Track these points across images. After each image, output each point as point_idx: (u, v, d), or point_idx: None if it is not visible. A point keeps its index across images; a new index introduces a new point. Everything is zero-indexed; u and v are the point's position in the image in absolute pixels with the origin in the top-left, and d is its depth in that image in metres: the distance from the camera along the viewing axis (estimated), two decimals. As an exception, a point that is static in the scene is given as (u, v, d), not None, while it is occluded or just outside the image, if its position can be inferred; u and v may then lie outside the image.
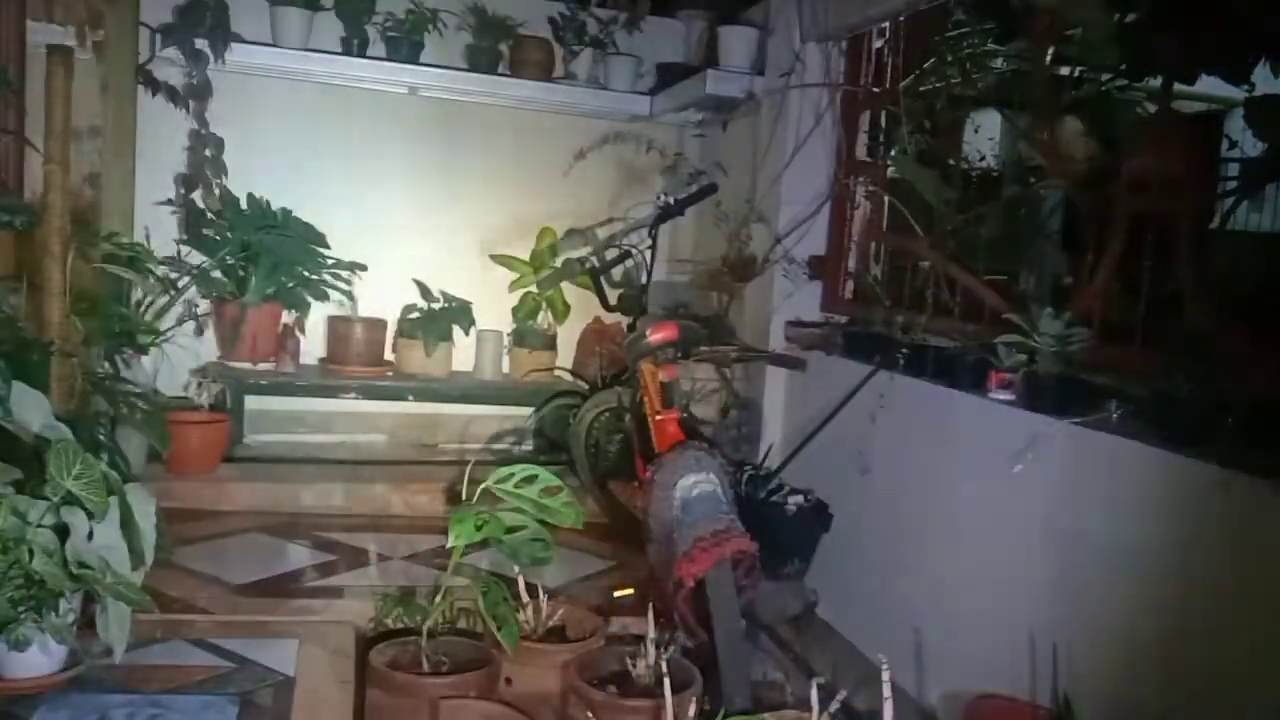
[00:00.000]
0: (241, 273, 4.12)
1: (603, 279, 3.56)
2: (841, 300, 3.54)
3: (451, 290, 4.50)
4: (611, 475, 3.53)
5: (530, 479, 2.29)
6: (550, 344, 4.61)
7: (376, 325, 4.44)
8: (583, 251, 4.07)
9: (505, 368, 4.62)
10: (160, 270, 3.81)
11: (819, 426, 3.19)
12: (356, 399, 4.26)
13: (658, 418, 2.65)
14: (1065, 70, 2.61)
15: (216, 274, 4.09)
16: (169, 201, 4.18)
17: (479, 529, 2.20)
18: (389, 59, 4.39)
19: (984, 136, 3.26)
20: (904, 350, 2.86)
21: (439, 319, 4.42)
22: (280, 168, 4.36)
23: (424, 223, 4.64)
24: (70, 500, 2.01)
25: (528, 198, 4.70)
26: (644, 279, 3.52)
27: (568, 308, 4.63)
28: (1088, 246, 2.45)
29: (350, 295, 4.36)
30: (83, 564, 2.03)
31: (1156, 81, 2.34)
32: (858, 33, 3.45)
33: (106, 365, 3.30)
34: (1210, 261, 2.15)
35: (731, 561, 2.31)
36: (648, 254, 3.52)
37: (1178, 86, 2.28)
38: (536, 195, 4.68)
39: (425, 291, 4.47)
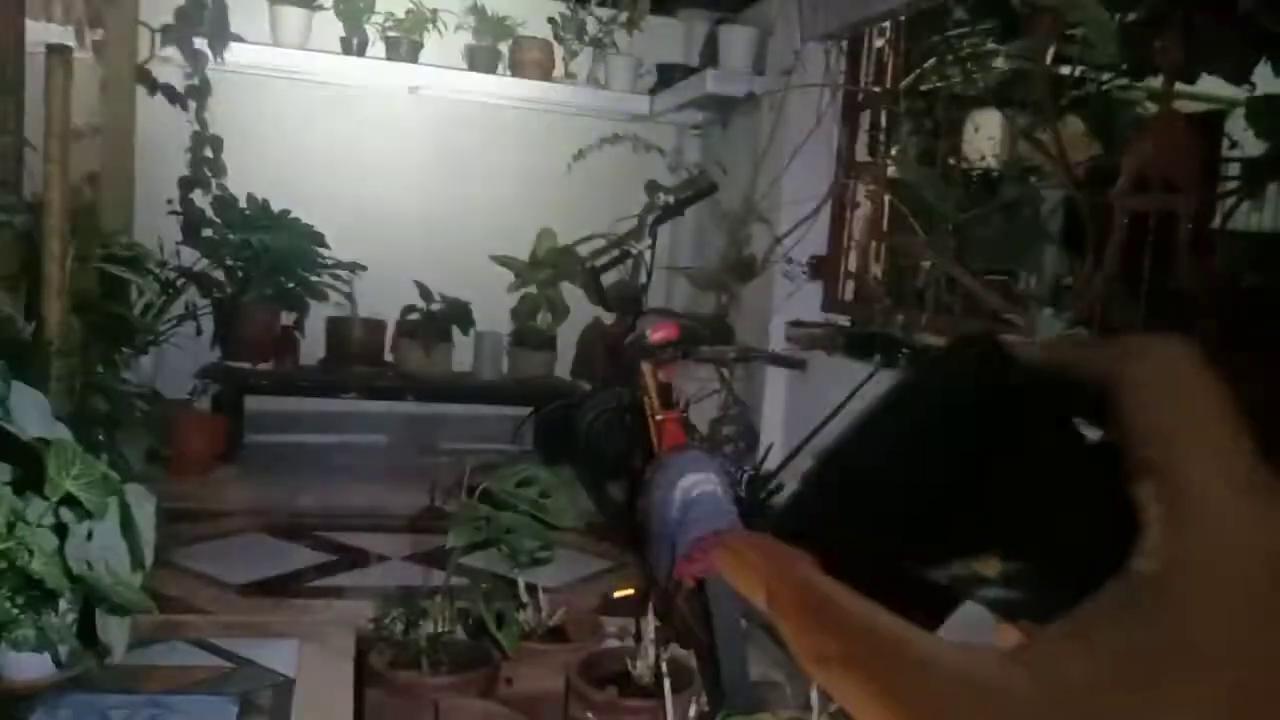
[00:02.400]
0: (241, 273, 4.11)
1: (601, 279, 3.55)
2: (842, 300, 3.54)
3: (451, 291, 4.49)
4: (611, 475, 3.53)
5: (529, 480, 2.29)
6: (550, 344, 4.60)
7: (376, 326, 4.44)
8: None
9: (505, 368, 4.61)
10: (160, 271, 3.81)
11: (819, 427, 3.18)
12: (356, 399, 4.26)
13: (658, 418, 2.65)
14: (1066, 69, 2.61)
15: (216, 274, 4.09)
16: (170, 204, 4.18)
17: (479, 529, 2.20)
18: (388, 58, 4.39)
19: (984, 136, 3.25)
20: (904, 350, 2.86)
21: (438, 319, 4.42)
22: (279, 168, 4.36)
23: (423, 223, 4.64)
24: (70, 501, 2.01)
25: (528, 198, 4.69)
26: (643, 279, 3.51)
27: (567, 308, 4.62)
28: (1088, 246, 2.45)
29: (350, 296, 4.36)
30: (82, 564, 2.02)
31: (1157, 81, 2.34)
32: (858, 32, 3.45)
33: (105, 366, 3.29)
34: (1211, 261, 2.15)
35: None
36: (647, 254, 3.51)
37: (1178, 86, 2.28)
38: (536, 195, 4.68)
39: (425, 292, 4.46)
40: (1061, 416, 0.24)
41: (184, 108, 4.13)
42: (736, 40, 3.97)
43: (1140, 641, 0.20)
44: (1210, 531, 0.21)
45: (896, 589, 0.23)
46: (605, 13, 4.64)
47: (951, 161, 3.05)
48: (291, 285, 4.19)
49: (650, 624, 2.28)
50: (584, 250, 4.11)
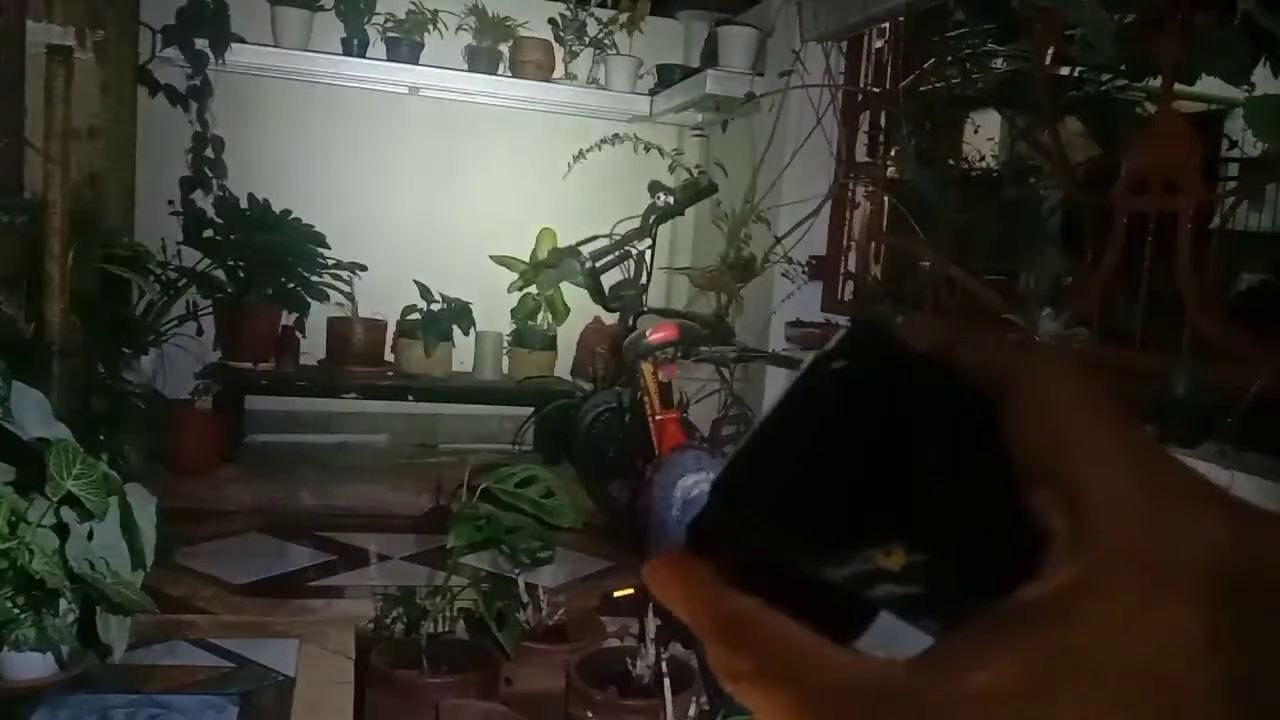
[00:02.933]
0: (242, 274, 4.12)
1: (601, 279, 3.56)
2: (841, 300, 3.54)
3: (451, 291, 4.50)
4: (611, 475, 3.53)
5: (530, 479, 2.30)
6: (550, 344, 4.61)
7: (376, 326, 4.45)
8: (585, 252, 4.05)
9: (505, 368, 4.62)
10: (161, 271, 3.82)
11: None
12: (356, 399, 4.26)
13: (658, 418, 2.65)
14: (1065, 70, 2.61)
15: (217, 274, 4.09)
16: (171, 205, 4.18)
17: (479, 529, 2.20)
18: (389, 59, 4.40)
19: (984, 136, 3.26)
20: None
21: (439, 319, 4.42)
22: (281, 168, 4.37)
23: (424, 223, 4.64)
24: (70, 500, 2.01)
25: (528, 198, 4.70)
26: (643, 279, 3.52)
27: (567, 308, 4.63)
28: (1087, 246, 2.46)
29: (350, 296, 4.36)
30: (83, 564, 2.03)
31: (1156, 81, 2.34)
32: (858, 33, 3.46)
33: (106, 366, 3.30)
34: (1210, 261, 2.15)
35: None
36: (647, 254, 3.52)
37: (1178, 86, 2.29)
38: (536, 195, 4.68)
39: (425, 292, 4.47)
40: (961, 408, 0.24)
41: (185, 108, 4.14)
42: (736, 41, 3.97)
43: (1040, 651, 0.21)
44: (1108, 544, 0.21)
45: (811, 597, 0.23)
46: (605, 14, 4.64)
47: (951, 162, 3.05)
48: (292, 285, 4.19)
49: (650, 624, 2.28)
50: (586, 250, 4.12)
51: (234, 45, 4.09)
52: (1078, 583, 0.21)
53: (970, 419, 0.23)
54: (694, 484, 2.40)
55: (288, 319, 4.29)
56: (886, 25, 3.38)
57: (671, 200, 3.46)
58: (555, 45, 4.63)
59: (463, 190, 4.69)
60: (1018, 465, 0.22)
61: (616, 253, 3.59)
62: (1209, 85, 2.36)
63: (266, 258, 4.09)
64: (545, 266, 4.51)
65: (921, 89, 3.18)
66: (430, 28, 4.43)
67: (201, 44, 4.03)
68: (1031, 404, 0.23)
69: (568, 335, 4.67)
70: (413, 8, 4.40)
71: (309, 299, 4.24)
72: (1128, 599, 0.21)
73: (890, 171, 3.37)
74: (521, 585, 2.48)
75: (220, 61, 4.07)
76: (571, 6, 4.62)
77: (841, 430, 0.24)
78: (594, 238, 4.19)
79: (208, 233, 4.15)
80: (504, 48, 4.56)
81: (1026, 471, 0.22)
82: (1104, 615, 0.21)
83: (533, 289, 4.58)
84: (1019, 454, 0.23)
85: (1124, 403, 0.23)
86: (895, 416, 0.24)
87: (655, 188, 3.95)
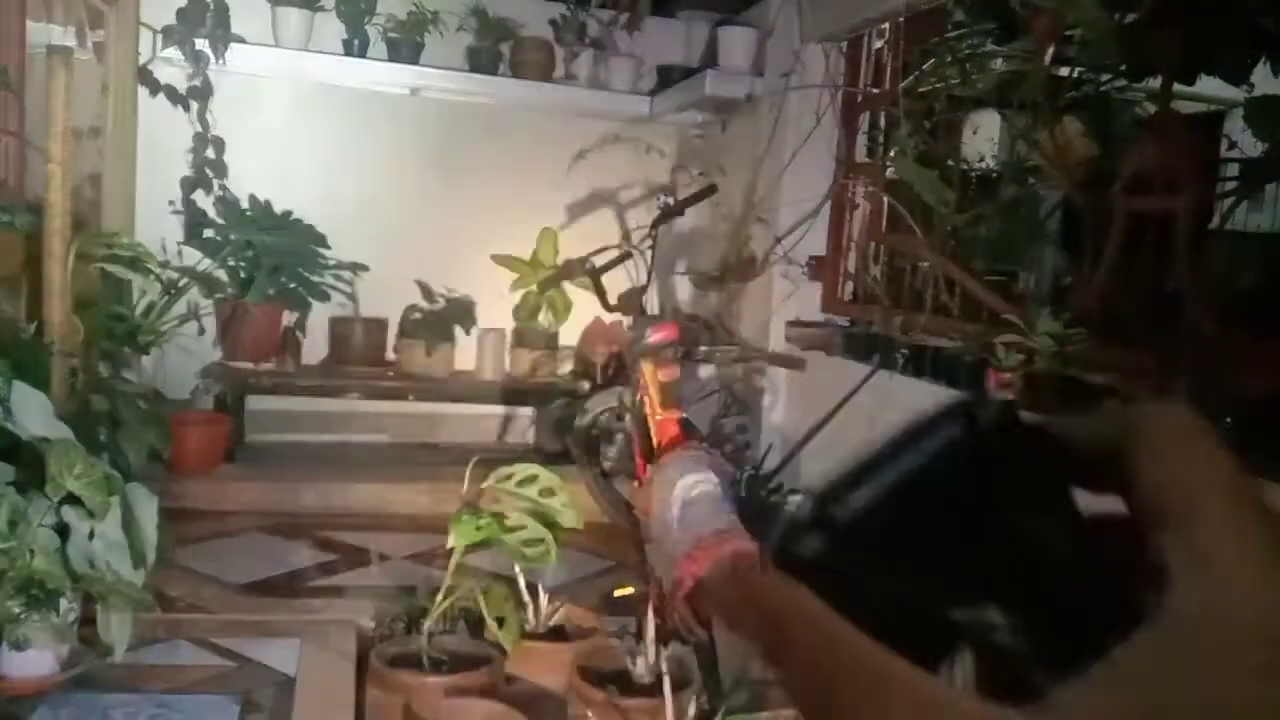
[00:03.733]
0: (243, 274, 4.12)
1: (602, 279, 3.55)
2: (841, 300, 3.54)
3: (452, 290, 4.50)
4: (612, 475, 3.53)
5: (530, 479, 2.30)
6: (551, 343, 4.61)
7: (378, 325, 4.45)
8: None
9: (506, 367, 4.62)
10: (162, 271, 3.82)
11: (818, 426, 3.19)
12: (358, 399, 4.26)
13: (658, 418, 2.65)
14: (1064, 70, 2.61)
15: (219, 274, 4.10)
16: (172, 205, 4.18)
17: (479, 529, 2.20)
18: (390, 60, 4.40)
19: (983, 137, 3.26)
20: (903, 350, 2.86)
21: (440, 319, 4.42)
22: (281, 168, 4.37)
23: (425, 223, 4.64)
24: (71, 500, 2.02)
25: (528, 198, 4.70)
26: (644, 279, 3.52)
27: (568, 308, 4.62)
28: (1086, 247, 2.46)
29: (351, 296, 4.36)
30: (84, 564, 2.03)
31: (1156, 81, 2.34)
32: (857, 33, 3.46)
33: (107, 366, 3.30)
34: (1209, 261, 2.15)
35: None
36: (648, 254, 3.51)
37: (1177, 86, 2.29)
38: (537, 196, 4.68)
39: (427, 291, 4.47)
40: (1060, 486, 0.25)
41: (185, 108, 4.14)
42: (736, 42, 3.98)
43: (1163, 689, 0.21)
44: (1235, 602, 0.21)
45: (892, 628, 0.23)
46: (606, 14, 4.64)
47: (950, 162, 3.05)
48: (293, 285, 4.20)
49: (650, 623, 2.28)
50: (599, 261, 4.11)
51: (234, 45, 4.09)
52: (1199, 625, 0.21)
53: (1062, 492, 0.25)
54: (694, 484, 2.40)
55: (289, 319, 4.29)
56: (886, 26, 3.39)
57: (672, 201, 3.46)
58: (555, 45, 4.63)
59: (463, 190, 4.69)
60: (1139, 510, 0.23)
61: (617, 253, 3.58)
62: (1209, 85, 2.36)
63: (267, 258, 4.10)
64: (546, 267, 4.51)
65: (921, 89, 3.18)
66: (430, 28, 4.43)
67: (201, 44, 4.03)
68: (1159, 452, 0.23)
69: (568, 335, 4.67)
70: (413, 8, 4.40)
71: (310, 299, 4.24)
72: (1252, 661, 0.21)
73: (890, 172, 3.37)
74: (521, 585, 2.48)
75: (220, 61, 4.07)
76: (571, 7, 4.61)
77: (945, 484, 0.25)
78: (605, 249, 4.18)
79: (209, 232, 4.15)
80: (504, 48, 4.57)
81: (1150, 515, 0.23)
82: (1229, 668, 0.21)
83: (534, 288, 4.57)
84: (1144, 498, 0.23)
85: (1241, 460, 0.23)
86: (998, 483, 0.24)
87: (656, 189, 3.95)
